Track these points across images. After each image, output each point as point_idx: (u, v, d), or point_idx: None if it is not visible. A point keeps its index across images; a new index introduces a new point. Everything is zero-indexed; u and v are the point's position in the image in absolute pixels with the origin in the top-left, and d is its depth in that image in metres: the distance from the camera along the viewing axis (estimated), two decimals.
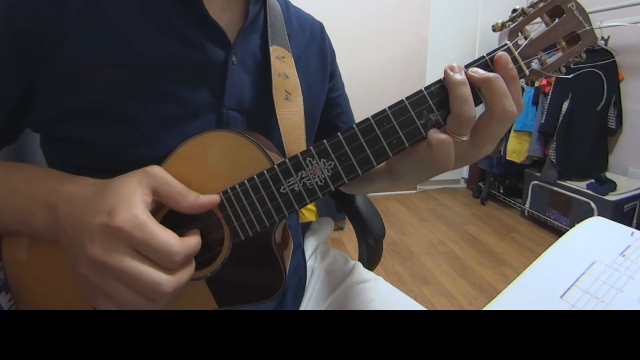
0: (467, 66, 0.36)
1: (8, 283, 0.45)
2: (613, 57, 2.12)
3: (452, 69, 0.35)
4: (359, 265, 0.68)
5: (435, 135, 0.35)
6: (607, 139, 2.29)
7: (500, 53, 0.35)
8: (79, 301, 0.42)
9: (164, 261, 0.33)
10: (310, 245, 0.70)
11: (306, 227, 0.74)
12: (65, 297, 0.43)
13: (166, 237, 0.33)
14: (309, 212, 2.09)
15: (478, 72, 0.35)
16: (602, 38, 2.15)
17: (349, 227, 2.26)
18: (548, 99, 2.17)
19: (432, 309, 1.56)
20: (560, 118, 2.14)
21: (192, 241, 0.36)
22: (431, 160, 0.35)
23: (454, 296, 1.68)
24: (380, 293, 0.60)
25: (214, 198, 0.38)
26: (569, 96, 2.13)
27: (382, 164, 0.46)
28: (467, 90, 0.34)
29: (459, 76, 0.34)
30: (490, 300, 0.38)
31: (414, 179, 0.43)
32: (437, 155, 0.35)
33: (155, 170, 0.37)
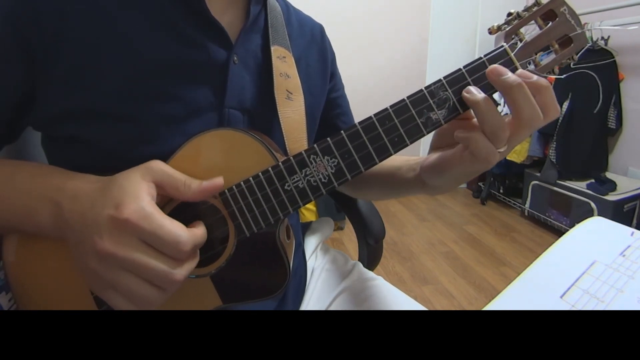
0: (465, 67, 0.36)
1: (8, 283, 0.45)
2: (613, 57, 2.12)
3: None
4: (359, 265, 0.68)
5: (461, 134, 0.35)
6: (607, 139, 2.29)
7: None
8: (79, 301, 0.42)
9: (173, 251, 0.34)
10: (310, 245, 0.70)
11: (306, 227, 0.74)
12: (66, 296, 0.43)
13: (173, 227, 0.34)
14: (309, 212, 2.09)
15: (498, 71, 0.34)
16: (602, 38, 2.15)
17: (349, 227, 2.26)
18: None
19: (432, 309, 1.56)
20: (560, 118, 2.14)
21: (199, 231, 0.37)
22: (475, 159, 0.35)
23: (454, 296, 1.68)
24: (381, 293, 0.60)
25: (218, 182, 0.38)
26: (569, 96, 2.13)
27: (413, 178, 0.46)
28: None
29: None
30: (490, 300, 0.38)
31: (446, 189, 0.42)
32: (479, 152, 0.34)
33: (157, 164, 0.38)
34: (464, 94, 0.35)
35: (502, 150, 0.35)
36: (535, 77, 0.34)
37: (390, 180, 0.52)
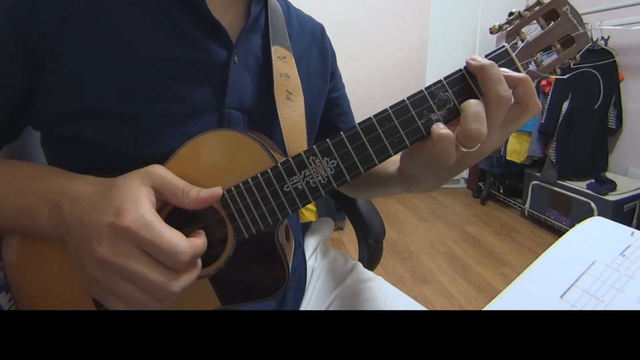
0: (466, 67, 0.36)
1: (8, 283, 0.45)
2: (613, 57, 2.12)
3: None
4: (359, 265, 0.68)
5: (437, 130, 0.35)
6: (607, 139, 2.29)
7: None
8: (79, 301, 0.42)
9: (171, 261, 0.33)
10: (310, 245, 0.70)
11: (306, 227, 0.74)
12: (65, 297, 0.43)
13: (173, 237, 0.33)
14: (309, 212, 2.09)
15: (476, 59, 0.35)
16: (602, 38, 2.15)
17: (349, 227, 2.26)
18: (548, 99, 2.17)
19: (432, 309, 1.56)
20: (560, 118, 2.14)
21: (199, 241, 0.36)
22: (434, 155, 0.35)
23: (454, 296, 1.68)
24: (381, 293, 0.60)
25: (216, 191, 0.38)
26: (569, 96, 2.13)
27: (394, 171, 0.46)
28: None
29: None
30: (490, 300, 0.38)
31: (427, 185, 0.42)
32: (438, 149, 0.35)
33: (156, 169, 0.37)
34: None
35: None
36: (513, 72, 0.35)
37: (375, 176, 0.52)
